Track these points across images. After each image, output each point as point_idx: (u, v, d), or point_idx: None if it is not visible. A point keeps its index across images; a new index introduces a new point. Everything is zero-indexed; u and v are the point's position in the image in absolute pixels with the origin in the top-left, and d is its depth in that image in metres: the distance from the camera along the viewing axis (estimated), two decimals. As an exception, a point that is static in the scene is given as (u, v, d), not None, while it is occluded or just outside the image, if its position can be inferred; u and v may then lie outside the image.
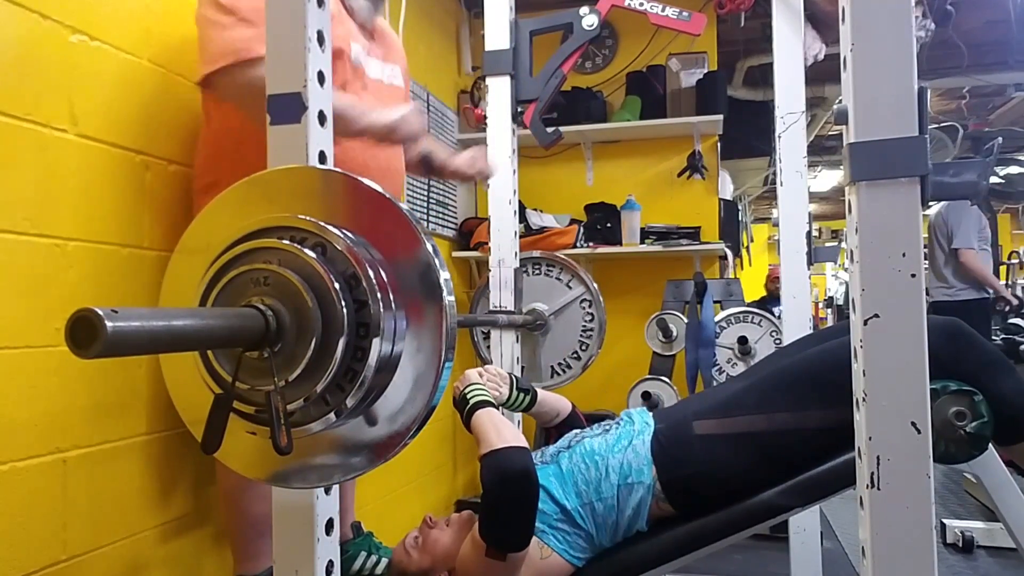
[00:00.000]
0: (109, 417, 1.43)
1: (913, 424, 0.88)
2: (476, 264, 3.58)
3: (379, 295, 0.74)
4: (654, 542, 1.37)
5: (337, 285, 0.73)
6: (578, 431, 1.56)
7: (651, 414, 1.53)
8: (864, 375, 0.90)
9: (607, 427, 1.52)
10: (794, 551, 2.20)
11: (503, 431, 1.33)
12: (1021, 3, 3.91)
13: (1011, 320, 4.37)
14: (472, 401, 1.43)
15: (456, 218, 3.56)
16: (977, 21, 4.04)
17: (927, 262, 4.89)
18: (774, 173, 3.01)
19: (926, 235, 4.57)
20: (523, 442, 1.32)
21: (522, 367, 2.07)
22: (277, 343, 0.73)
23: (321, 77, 0.95)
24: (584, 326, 2.19)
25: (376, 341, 0.74)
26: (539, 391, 1.68)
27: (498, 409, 1.45)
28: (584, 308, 2.20)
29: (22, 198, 1.25)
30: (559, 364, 2.21)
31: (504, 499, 1.27)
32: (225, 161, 1.52)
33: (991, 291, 4.59)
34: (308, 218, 0.77)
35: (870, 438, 0.90)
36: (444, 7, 3.51)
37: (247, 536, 1.59)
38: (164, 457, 1.56)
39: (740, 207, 5.05)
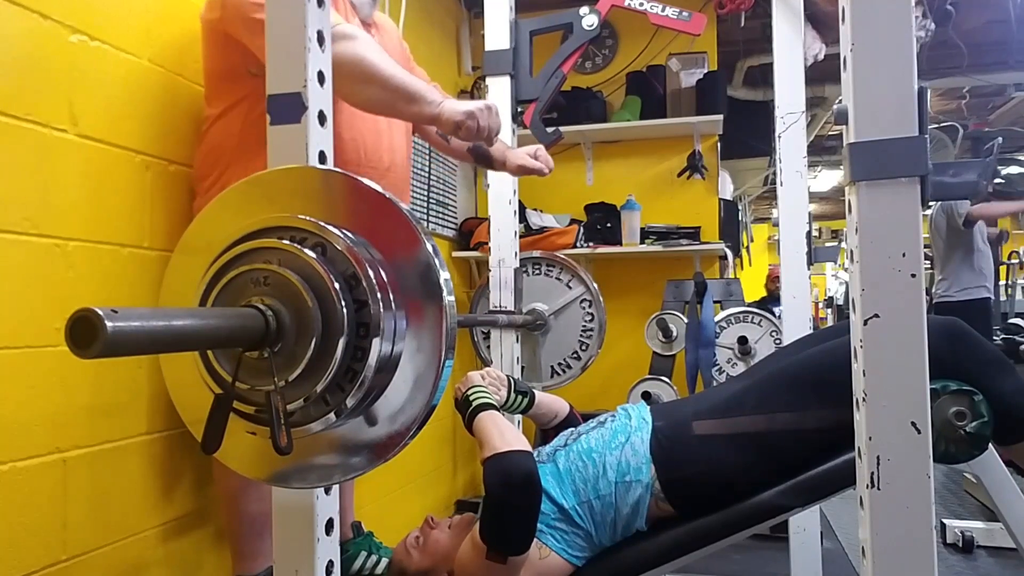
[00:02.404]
0: (109, 417, 1.43)
1: (913, 424, 0.88)
2: (476, 264, 3.58)
3: (379, 295, 0.74)
4: (654, 542, 1.37)
5: (337, 285, 0.73)
6: (574, 429, 1.55)
7: (649, 409, 1.52)
8: (864, 375, 0.90)
9: (602, 420, 1.51)
10: (794, 551, 2.20)
11: (506, 434, 1.33)
12: (1021, 3, 3.91)
13: (1011, 320, 4.37)
14: (475, 403, 1.43)
15: (456, 218, 3.56)
16: (977, 21, 4.04)
17: (927, 263, 4.90)
18: (774, 173, 3.02)
19: (926, 235, 4.57)
20: (526, 445, 1.32)
21: (522, 367, 2.07)
22: (277, 343, 0.73)
23: (321, 77, 0.95)
24: (584, 326, 2.19)
25: (376, 341, 0.74)
26: (537, 393, 1.67)
27: (500, 412, 1.45)
28: (584, 308, 2.20)
29: (22, 198, 1.25)
30: (559, 364, 2.21)
31: (507, 503, 1.27)
32: (225, 162, 1.52)
33: (992, 290, 4.59)
34: (308, 218, 0.77)
35: (870, 438, 0.90)
36: (444, 7, 3.51)
37: (246, 536, 1.59)
38: (164, 457, 1.56)
39: (740, 207, 5.05)
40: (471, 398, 1.44)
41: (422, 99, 1.46)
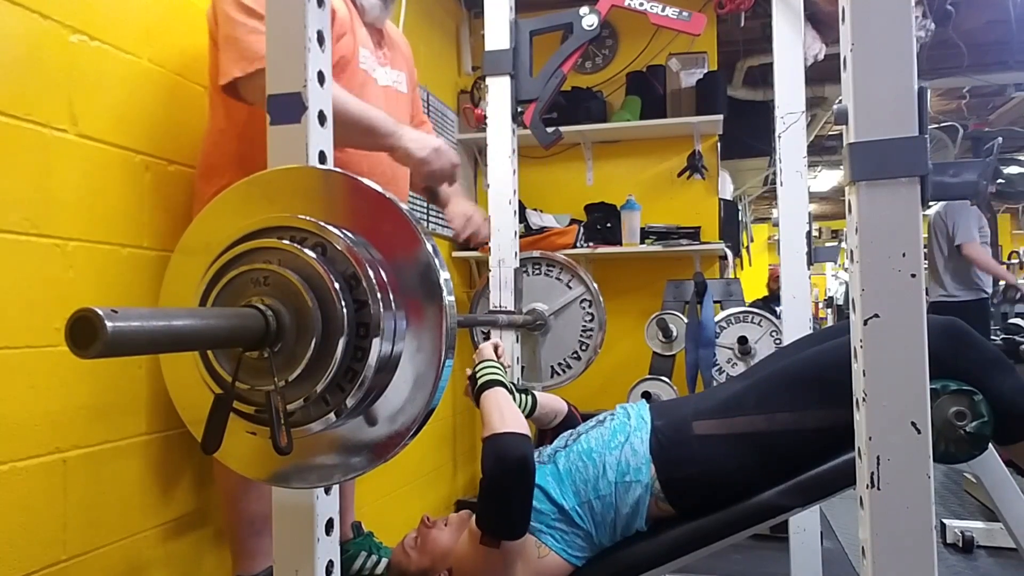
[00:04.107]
0: (109, 417, 1.43)
1: (913, 424, 0.88)
2: (476, 264, 3.58)
3: (379, 295, 0.74)
4: (654, 542, 1.37)
5: (337, 285, 0.73)
6: (573, 430, 1.56)
7: (648, 408, 1.52)
8: (864, 375, 0.90)
9: (601, 419, 1.51)
10: (794, 551, 2.20)
11: (506, 415, 1.34)
12: (1021, 3, 3.91)
13: (1011, 320, 4.37)
14: (480, 381, 1.45)
15: (456, 218, 3.55)
16: (977, 21, 4.04)
17: (926, 263, 4.89)
18: (774, 173, 3.01)
19: (926, 235, 4.57)
20: (524, 428, 1.33)
21: (522, 367, 2.07)
22: (277, 343, 0.73)
23: (321, 77, 0.95)
24: (584, 326, 2.19)
25: (376, 341, 0.74)
26: (536, 395, 1.67)
27: (508, 387, 1.46)
28: (584, 308, 2.20)
29: (22, 198, 1.25)
30: (559, 364, 2.21)
31: (500, 484, 1.28)
32: (227, 161, 1.52)
33: (989, 291, 4.59)
34: (308, 218, 0.77)
35: (870, 438, 0.90)
36: (444, 7, 3.51)
37: (245, 535, 1.59)
38: (164, 457, 1.56)
39: (740, 207, 5.04)
40: (478, 375, 1.47)
41: (377, 131, 1.47)
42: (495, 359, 1.54)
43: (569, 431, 1.56)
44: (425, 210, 3.20)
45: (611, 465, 1.39)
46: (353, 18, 1.60)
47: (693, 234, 3.37)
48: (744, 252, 5.02)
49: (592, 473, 1.40)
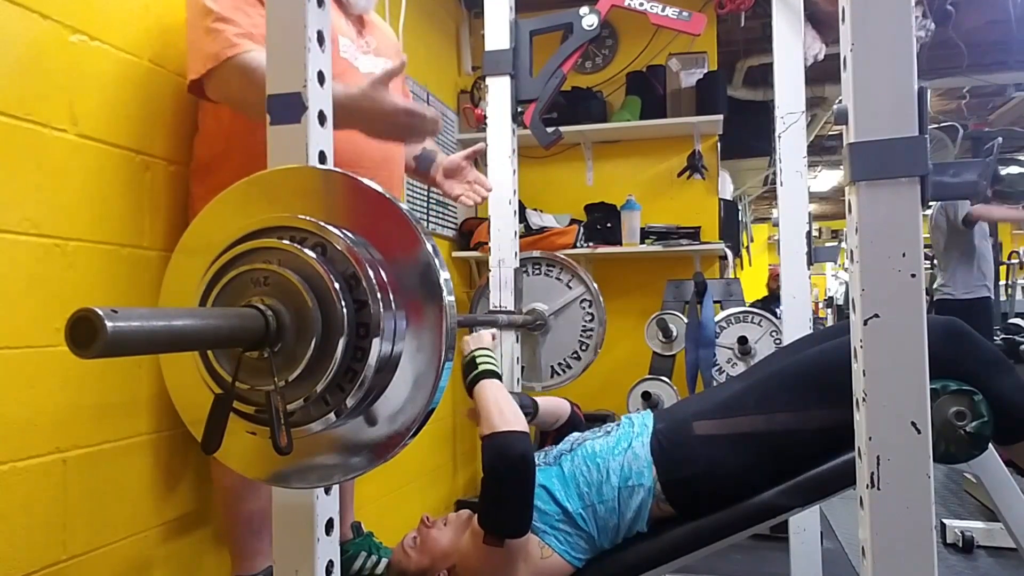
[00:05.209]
0: (110, 417, 1.43)
1: (913, 424, 0.88)
2: (476, 264, 3.58)
3: (379, 295, 0.74)
4: (654, 542, 1.37)
5: (337, 285, 0.73)
6: (579, 434, 1.56)
7: (652, 414, 1.53)
8: (864, 375, 0.90)
9: (608, 429, 1.52)
10: (794, 551, 2.20)
11: (505, 412, 1.34)
12: (1021, 3, 3.91)
13: (1011, 320, 4.36)
14: (479, 368, 1.44)
15: (456, 218, 3.56)
16: (977, 21, 4.04)
17: (928, 263, 4.89)
18: (774, 173, 3.02)
19: (927, 235, 4.57)
20: (524, 426, 1.33)
21: (522, 367, 2.07)
22: (277, 343, 0.73)
23: (321, 77, 0.95)
24: (584, 326, 2.19)
25: (376, 341, 0.74)
26: (538, 401, 1.67)
27: (501, 377, 1.45)
28: (584, 308, 2.20)
29: (22, 198, 1.25)
30: (559, 364, 2.21)
31: (502, 482, 1.28)
32: (218, 160, 1.52)
33: (992, 290, 4.58)
34: (308, 218, 0.77)
35: (870, 438, 0.90)
36: (444, 7, 3.51)
37: (244, 535, 1.59)
38: (165, 456, 1.56)
39: (740, 207, 5.05)
40: (477, 360, 1.45)
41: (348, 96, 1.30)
42: (491, 348, 1.53)
43: (575, 435, 1.56)
44: (425, 210, 3.20)
45: (614, 470, 1.39)
46: (332, 5, 1.59)
47: (693, 234, 3.37)
48: (744, 252, 5.03)
49: (596, 477, 1.40)
